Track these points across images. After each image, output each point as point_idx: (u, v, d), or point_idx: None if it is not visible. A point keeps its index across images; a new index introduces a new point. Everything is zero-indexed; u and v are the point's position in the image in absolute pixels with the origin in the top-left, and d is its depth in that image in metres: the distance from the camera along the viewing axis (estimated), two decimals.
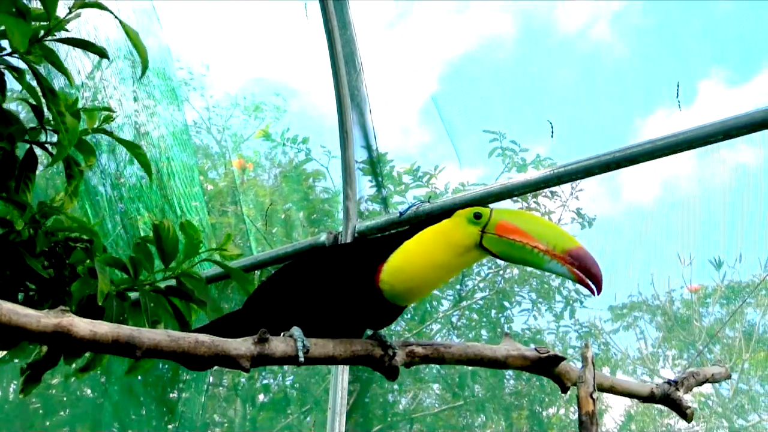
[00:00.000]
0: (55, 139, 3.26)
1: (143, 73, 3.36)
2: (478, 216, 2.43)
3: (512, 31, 5.66)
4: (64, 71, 3.26)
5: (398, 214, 5.52)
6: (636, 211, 5.19)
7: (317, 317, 2.49)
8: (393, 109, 6.12)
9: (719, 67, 4.87)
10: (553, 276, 5.64)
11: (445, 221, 2.48)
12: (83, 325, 2.15)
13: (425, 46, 5.82)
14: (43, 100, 3.14)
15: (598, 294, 2.42)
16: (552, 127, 5.12)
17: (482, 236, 2.42)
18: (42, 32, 3.10)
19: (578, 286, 5.42)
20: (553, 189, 5.45)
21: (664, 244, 4.94)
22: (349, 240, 5.63)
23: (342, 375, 5.29)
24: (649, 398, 2.78)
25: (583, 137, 5.21)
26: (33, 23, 3.07)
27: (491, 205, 2.48)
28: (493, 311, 5.74)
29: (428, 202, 5.45)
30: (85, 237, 3.40)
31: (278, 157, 7.09)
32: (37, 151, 3.42)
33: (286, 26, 6.42)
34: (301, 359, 2.36)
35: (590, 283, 2.40)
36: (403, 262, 2.43)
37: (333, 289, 2.49)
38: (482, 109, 5.58)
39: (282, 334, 2.40)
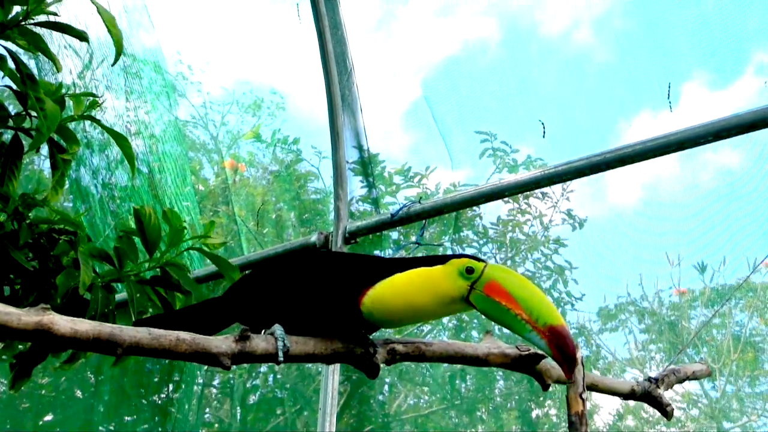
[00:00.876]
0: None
1: (116, 58, 3.39)
2: (470, 270, 2.39)
3: (497, 34, 5.69)
4: (49, 55, 3.27)
5: (390, 215, 5.52)
6: (622, 212, 5.21)
7: (299, 317, 2.50)
8: (383, 109, 6.13)
9: (702, 69, 4.89)
10: (545, 278, 5.65)
11: (437, 267, 2.44)
12: (64, 323, 2.15)
13: (412, 48, 5.84)
14: (23, 86, 3.14)
15: (568, 377, 2.41)
16: (544, 127, 5.13)
17: (470, 291, 2.39)
18: (20, 17, 3.11)
19: (569, 288, 5.49)
20: (544, 190, 5.46)
21: (652, 246, 4.96)
22: (339, 240, 5.63)
23: (333, 375, 5.29)
24: (629, 395, 2.79)
25: (568, 139, 5.23)
26: (13, 8, 3.08)
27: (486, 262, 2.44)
28: None
29: (419, 203, 5.46)
30: (69, 229, 3.40)
31: (270, 158, 7.10)
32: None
33: (278, 27, 6.43)
34: (281, 358, 2.36)
35: (564, 363, 2.35)
36: (386, 295, 2.42)
37: (316, 299, 2.49)
38: (469, 111, 5.59)
39: (263, 331, 2.41)
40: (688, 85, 4.87)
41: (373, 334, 2.61)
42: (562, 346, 2.33)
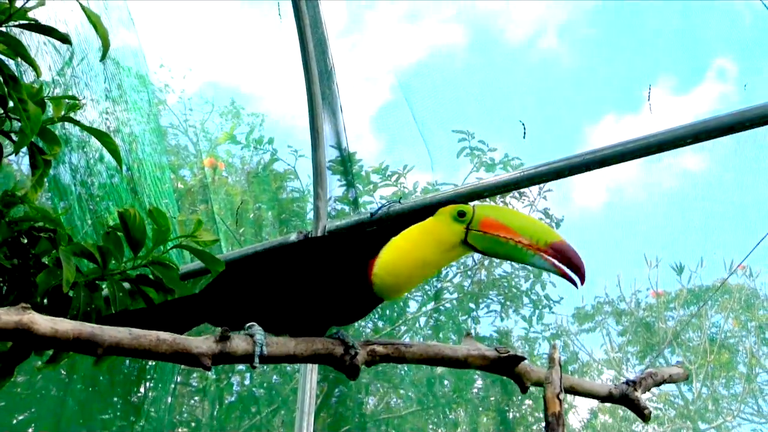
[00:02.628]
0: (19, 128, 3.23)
1: (104, 54, 3.36)
2: (462, 214, 2.49)
3: (464, 39, 5.74)
4: (29, 60, 3.25)
5: (369, 215, 5.51)
6: (594, 214, 5.26)
7: (286, 311, 2.50)
8: (357, 109, 6.13)
9: (666, 74, 4.95)
10: (522, 280, 5.67)
11: (430, 219, 2.53)
12: (44, 323, 2.14)
13: (382, 49, 5.87)
14: (6, 88, 3.12)
15: (582, 284, 2.49)
16: (524, 128, 5.14)
17: (467, 233, 2.49)
18: (2, 19, 3.09)
19: (553, 292, 5.51)
20: (521, 189, 5.48)
21: (627, 248, 4.99)
22: None
23: (311, 375, 5.27)
24: (607, 398, 2.80)
25: (537, 141, 5.29)
26: None
27: (472, 204, 2.54)
28: (461, 313, 5.75)
29: (399, 202, 5.45)
30: (48, 226, 3.37)
31: (249, 157, 7.10)
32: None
33: (256, 27, 6.43)
34: (256, 362, 2.35)
35: (573, 275, 2.46)
36: (394, 258, 2.48)
37: (322, 281, 2.51)
38: (446, 110, 5.62)
39: (246, 327, 2.39)
40: (652, 90, 4.93)
41: (355, 333, 2.62)
42: (567, 258, 2.46)
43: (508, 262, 5.69)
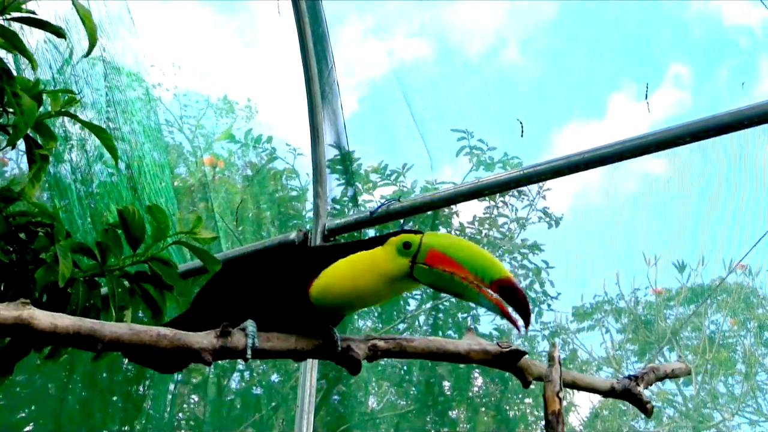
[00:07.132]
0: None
1: (89, 50, 3.35)
2: (407, 245, 2.35)
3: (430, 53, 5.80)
4: (26, 54, 3.24)
5: (369, 214, 5.51)
6: (595, 211, 5.29)
7: (267, 313, 2.49)
8: (355, 106, 6.16)
9: (626, 81, 5.00)
10: (522, 277, 5.67)
11: (377, 249, 2.41)
12: (44, 318, 2.14)
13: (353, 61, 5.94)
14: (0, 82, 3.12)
15: (524, 330, 2.38)
16: (522, 127, 5.15)
17: (412, 267, 2.36)
18: None
19: (545, 288, 5.50)
20: (521, 188, 5.49)
21: (627, 246, 5.01)
22: (318, 238, 5.60)
23: (311, 373, 5.27)
24: (609, 393, 2.79)
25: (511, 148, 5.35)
26: None
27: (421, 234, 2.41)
28: (460, 311, 5.75)
29: (398, 201, 5.45)
30: (46, 221, 3.35)
31: (248, 156, 7.10)
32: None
33: (258, 24, 6.44)
34: (249, 355, 2.34)
35: (517, 317, 2.34)
36: (331, 283, 2.40)
37: (270, 297, 2.48)
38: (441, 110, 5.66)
39: (242, 324, 2.39)
40: (616, 96, 5.01)
41: (347, 329, 2.61)
42: (513, 297, 2.33)
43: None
